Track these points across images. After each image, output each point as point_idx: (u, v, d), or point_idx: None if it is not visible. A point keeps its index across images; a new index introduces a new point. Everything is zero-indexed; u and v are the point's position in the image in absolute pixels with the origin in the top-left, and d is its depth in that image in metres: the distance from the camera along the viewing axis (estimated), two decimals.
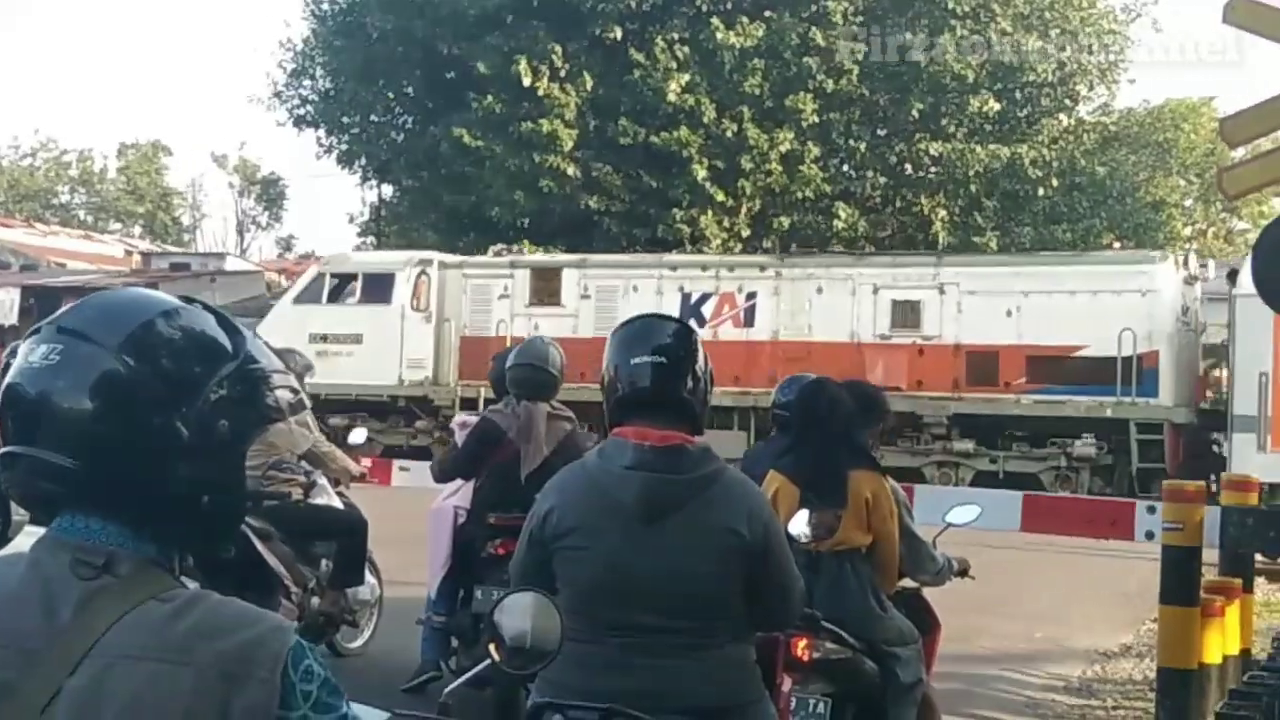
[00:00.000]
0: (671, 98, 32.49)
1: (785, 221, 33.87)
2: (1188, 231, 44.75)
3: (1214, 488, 13.22)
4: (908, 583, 6.57)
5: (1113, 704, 9.66)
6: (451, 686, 3.20)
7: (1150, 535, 8.27)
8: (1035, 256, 28.46)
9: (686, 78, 32.76)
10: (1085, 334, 23.26)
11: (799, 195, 33.61)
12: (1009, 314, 24.10)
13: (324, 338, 27.72)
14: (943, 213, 34.29)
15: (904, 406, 23.96)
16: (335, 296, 28.67)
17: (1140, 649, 11.30)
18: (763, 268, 26.99)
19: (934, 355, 24.97)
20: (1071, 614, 13.04)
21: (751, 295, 26.44)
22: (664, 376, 4.09)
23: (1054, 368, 23.84)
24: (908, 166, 35.14)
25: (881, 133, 35.64)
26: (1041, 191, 34.50)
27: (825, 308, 25.63)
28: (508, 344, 26.61)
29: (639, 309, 27.69)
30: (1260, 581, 14.90)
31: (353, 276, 28.83)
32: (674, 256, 29.42)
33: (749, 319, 26.44)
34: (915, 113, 33.84)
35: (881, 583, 6.13)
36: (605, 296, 27.03)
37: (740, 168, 32.87)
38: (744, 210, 33.50)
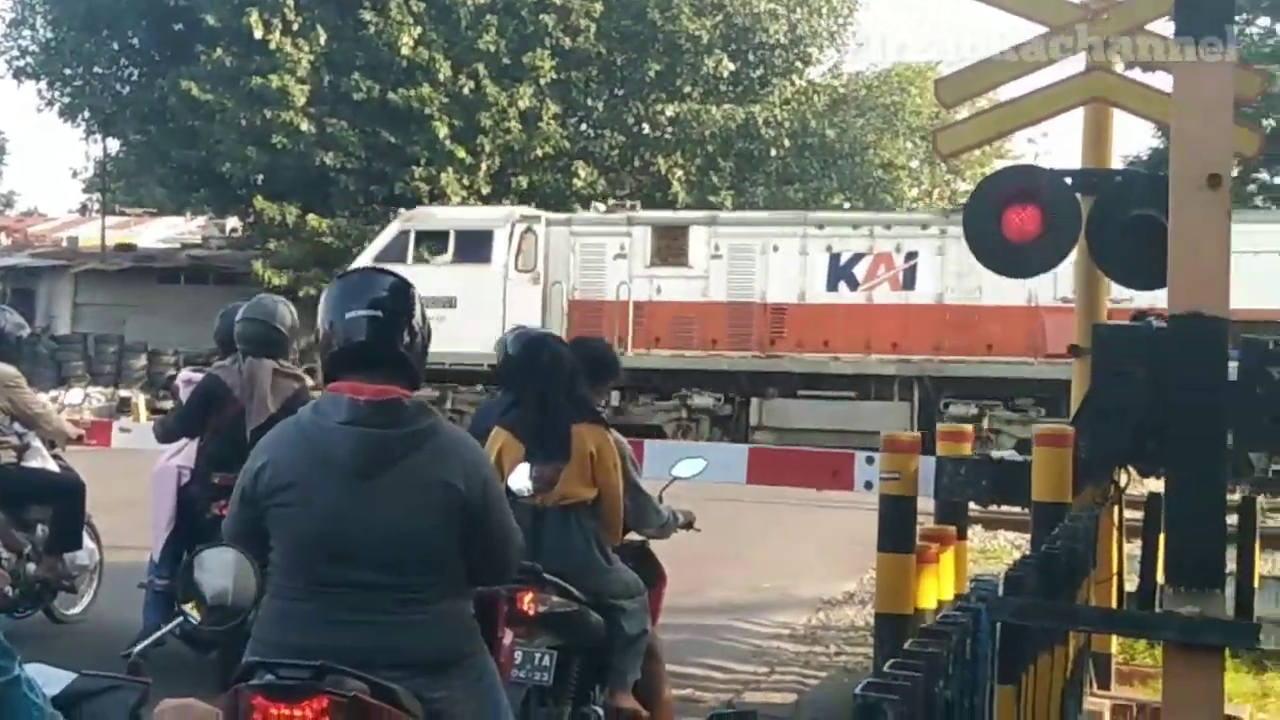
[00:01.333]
0: (406, 52, 32.11)
1: (525, 180, 33.84)
2: (914, 193, 46.12)
3: None
4: (634, 536, 6.65)
5: (835, 650, 9.97)
6: (140, 646, 3.12)
7: (869, 485, 8.51)
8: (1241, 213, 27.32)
9: (420, 31, 32.41)
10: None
11: (539, 153, 33.62)
12: None
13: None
14: (680, 172, 34.69)
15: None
16: (421, 256, 26.17)
17: (863, 596, 11.66)
18: (925, 225, 25.13)
19: (1122, 319, 23.85)
20: (798, 564, 13.38)
21: (911, 255, 24.63)
22: (380, 331, 4.05)
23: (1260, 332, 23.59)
24: (645, 126, 35.43)
25: (619, 92, 35.85)
26: (774, 152, 35.19)
27: None
28: (629, 310, 25.22)
29: (780, 270, 25.36)
30: (978, 529, 15.59)
31: (442, 234, 26.45)
32: (821, 214, 27.40)
33: (909, 281, 24.67)
34: (652, 73, 34.13)
35: (606, 536, 6.19)
36: (740, 257, 25.38)
37: (479, 125, 32.70)
38: (484, 168, 33.37)
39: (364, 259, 26.82)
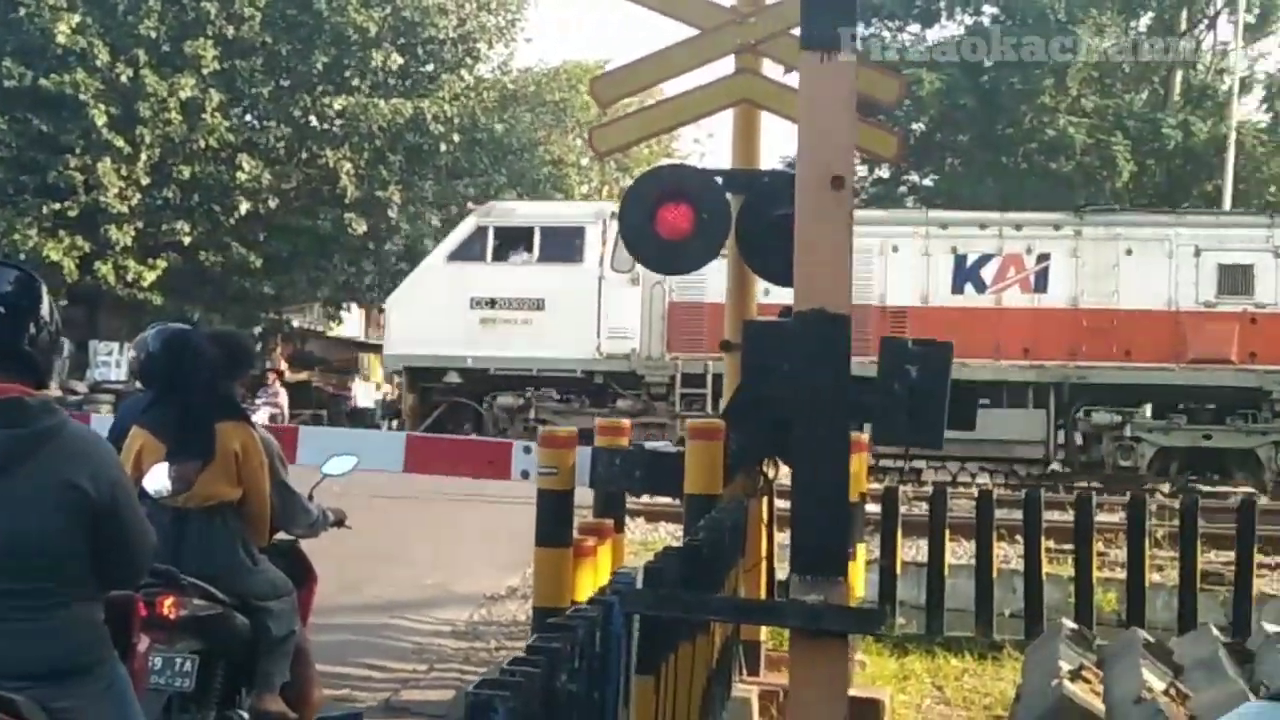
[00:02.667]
0: (62, 39, 30.81)
1: (187, 171, 32.85)
2: (584, 189, 46.61)
3: None
4: (283, 535, 6.53)
5: (495, 645, 10.00)
6: None
7: (525, 474, 8.52)
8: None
9: (77, 18, 31.14)
10: None
11: (201, 144, 32.69)
12: None
13: (490, 303, 24.16)
14: (348, 166, 34.21)
15: (1234, 381, 22.77)
16: (501, 254, 24.46)
17: (525, 591, 11.70)
18: (1057, 226, 24.00)
19: (1269, 324, 22.84)
20: (462, 560, 13.37)
21: (1044, 257, 23.68)
22: (2, 327, 3.85)
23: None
24: (312, 119, 34.82)
25: (285, 84, 35.14)
26: (444, 147, 35.04)
27: (1135, 272, 23.17)
28: (755, 312, 24.22)
29: (900, 271, 23.98)
30: (640, 522, 15.84)
31: (524, 231, 24.51)
32: (944, 213, 25.76)
33: (1040, 284, 23.68)
34: (319, 65, 33.59)
35: (253, 536, 6.07)
36: (857, 257, 23.73)
37: (138, 114, 31.60)
38: (144, 159, 32.23)
39: (436, 256, 25.56)
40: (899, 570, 11.33)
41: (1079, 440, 23.71)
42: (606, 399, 24.32)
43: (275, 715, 6.01)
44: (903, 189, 43.59)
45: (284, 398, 30.73)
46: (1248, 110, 39.65)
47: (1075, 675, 6.71)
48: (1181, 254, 23.06)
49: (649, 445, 8.79)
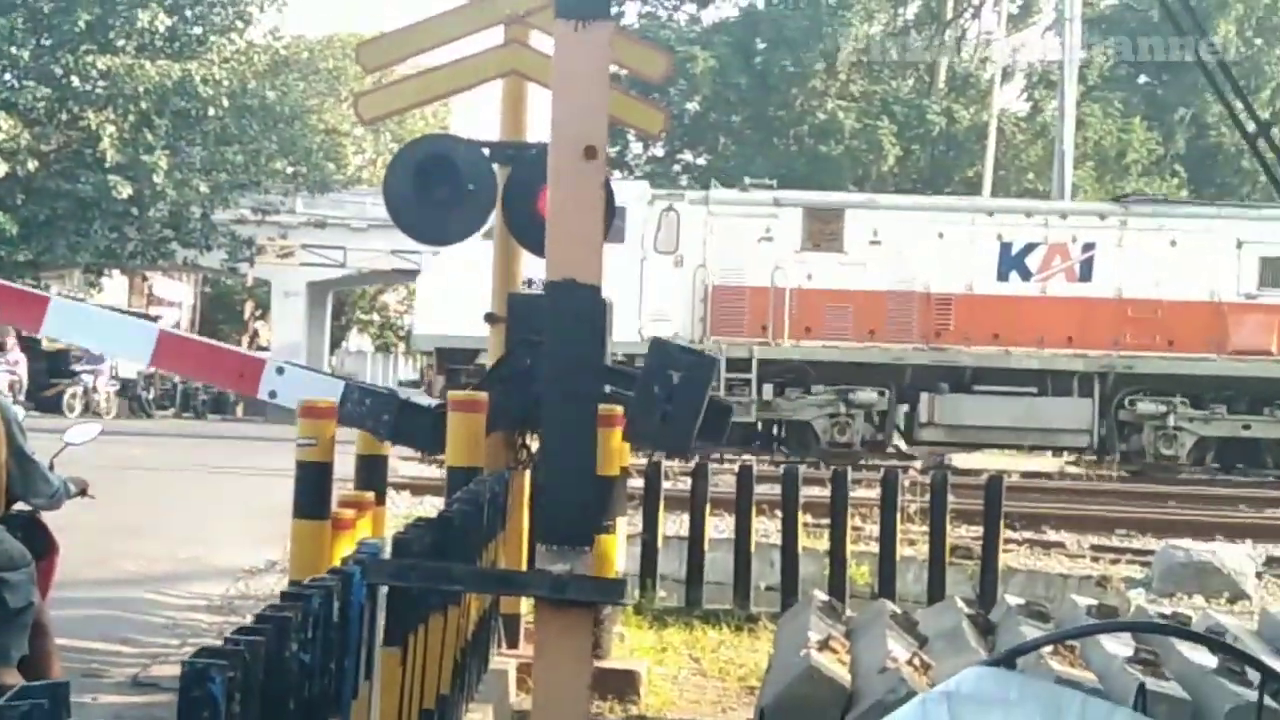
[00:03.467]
0: None
1: None
2: (358, 160, 46.00)
3: None
4: (22, 506, 6.31)
5: (252, 619, 9.80)
6: None
7: (273, 395, 8.31)
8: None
9: None
10: None
11: None
12: None
13: (528, 282, 22.62)
14: (111, 129, 33.16)
15: (1274, 372, 23.38)
16: None
17: (285, 564, 11.51)
18: (1103, 216, 24.50)
19: None
20: (219, 532, 13.08)
21: (1089, 246, 23.97)
22: None
23: None
24: (75, 79, 33.66)
25: (47, 42, 33.90)
26: (212, 112, 34.20)
27: (1179, 263, 23.18)
28: (786, 296, 23.38)
29: (947, 258, 23.85)
30: (405, 495, 15.71)
31: None
32: (990, 200, 26.34)
33: (1085, 273, 23.97)
34: (82, 23, 32.49)
35: None
36: (902, 244, 23.88)
37: None
38: None
39: (481, 235, 24.36)
40: (660, 544, 11.44)
41: (1120, 429, 24.35)
42: None
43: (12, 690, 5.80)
44: (677, 167, 44.01)
45: (24, 366, 29.78)
46: (1008, 99, 40.97)
47: (823, 645, 6.84)
48: (1224, 246, 23.40)
49: (407, 394, 8.72)
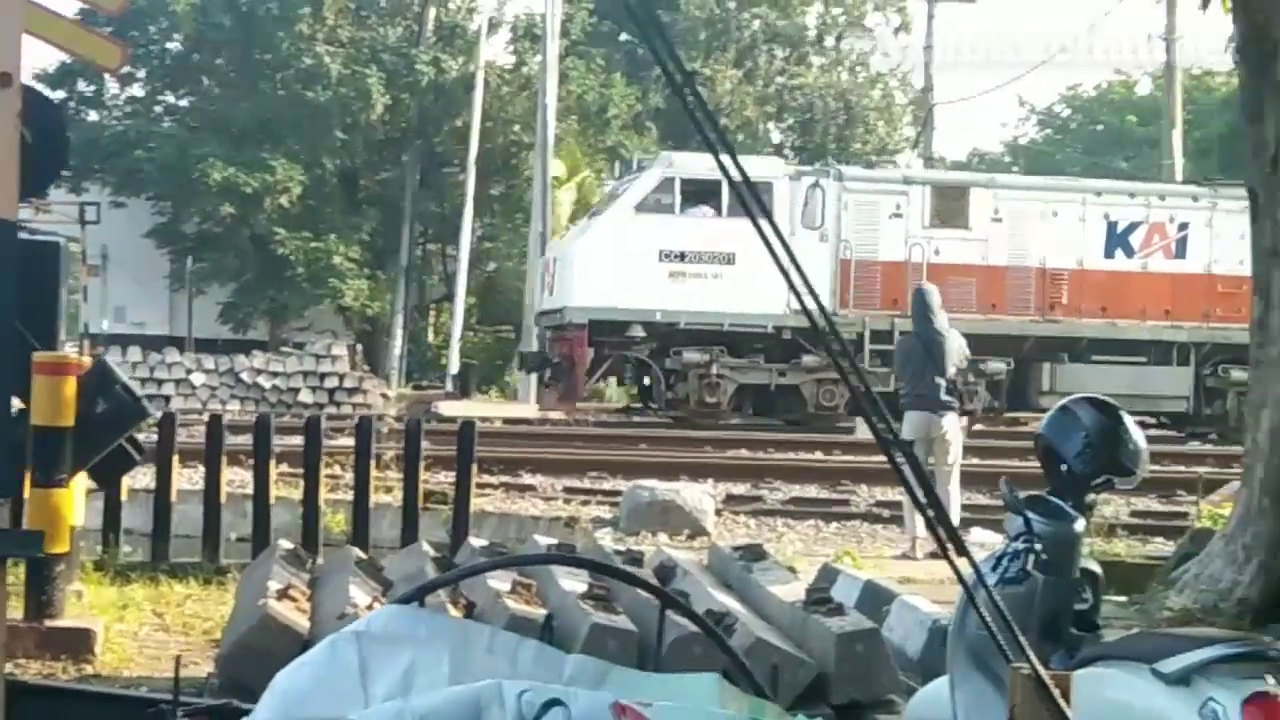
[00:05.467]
0: None
1: None
2: None
3: None
4: None
5: None
6: None
7: None
8: None
9: None
10: None
11: None
12: None
13: (680, 256, 24.48)
14: None
15: None
16: (687, 207, 24.63)
17: None
18: (1195, 198, 26.21)
19: None
20: None
21: (1183, 226, 25.80)
22: None
23: None
24: None
25: None
26: None
27: None
28: (924, 272, 23.58)
29: (1058, 236, 24.83)
30: None
31: (712, 184, 23.38)
32: (1098, 181, 26.88)
33: (1180, 250, 25.81)
34: None
35: None
36: (1020, 221, 25.52)
37: None
38: None
39: (621, 208, 24.99)
40: (125, 498, 11.03)
41: (1208, 396, 26.32)
42: (789, 355, 25.01)
43: None
44: (158, 108, 42.39)
45: None
46: (495, 51, 41.44)
47: (282, 594, 6.79)
48: None
49: None
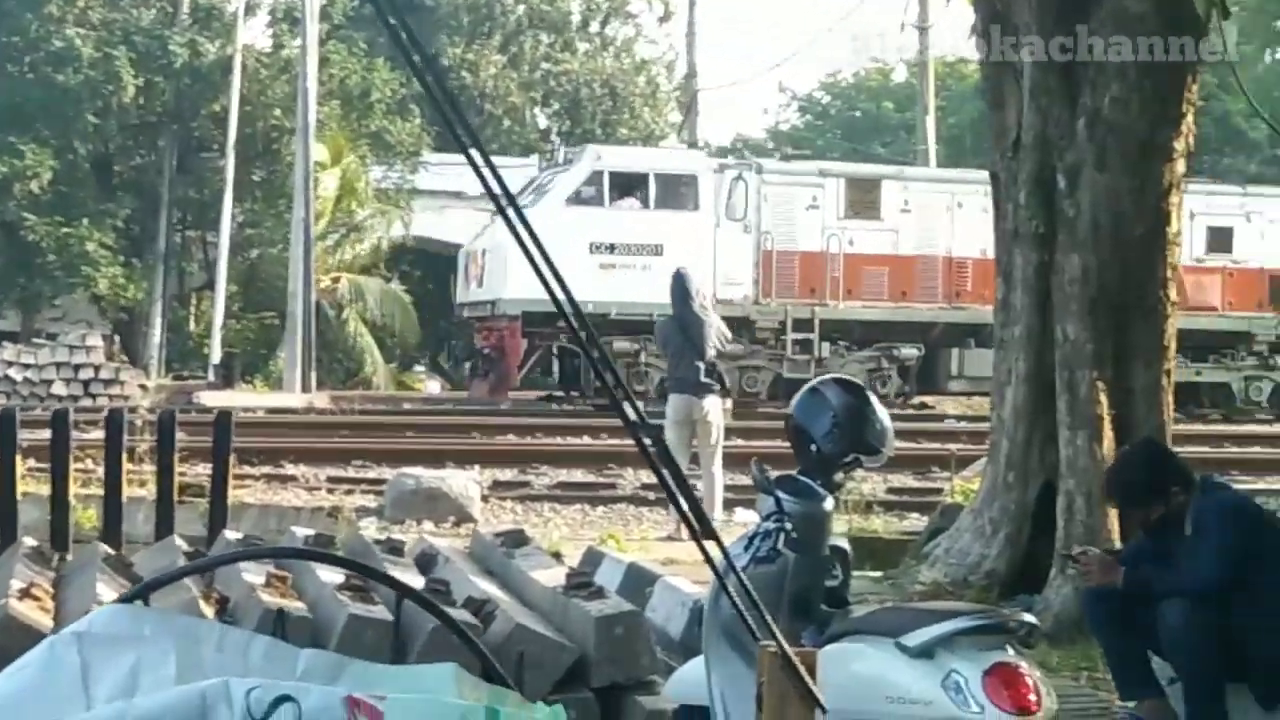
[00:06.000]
0: None
1: None
2: None
3: None
4: None
5: None
6: None
7: None
8: None
9: None
10: None
11: None
12: None
13: (610, 248, 24.95)
14: None
15: (1218, 326, 27.37)
16: (614, 199, 25.33)
17: None
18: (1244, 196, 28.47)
19: (1242, 278, 27.83)
20: None
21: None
22: None
23: None
24: None
25: None
26: None
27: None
28: (840, 262, 25.69)
29: (963, 226, 26.03)
30: None
31: (639, 177, 25.35)
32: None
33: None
34: None
35: None
36: (927, 212, 26.62)
37: None
38: None
39: (552, 201, 24.97)
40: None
41: None
42: None
43: None
44: None
45: None
46: (253, 34, 40.62)
47: (24, 594, 6.55)
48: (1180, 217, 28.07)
49: None
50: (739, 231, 25.83)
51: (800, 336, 25.94)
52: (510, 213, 2.86)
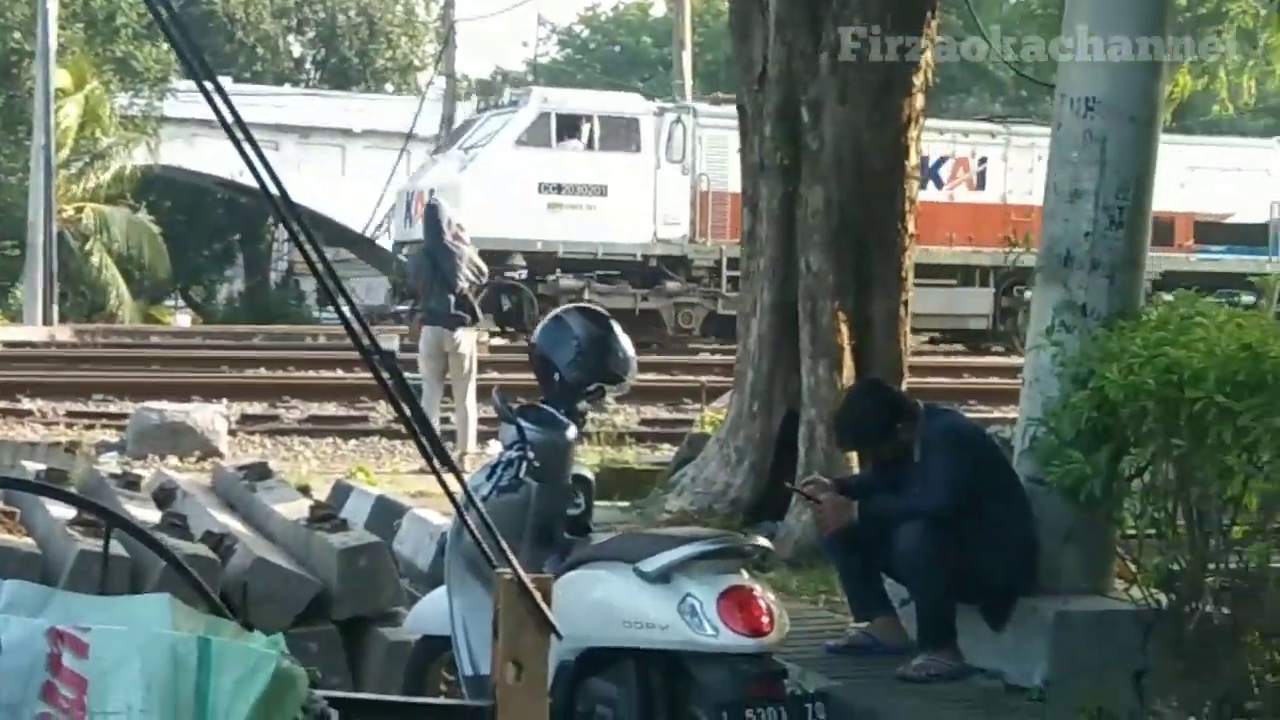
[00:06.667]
0: None
1: None
2: None
3: None
4: None
5: None
6: None
7: None
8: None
9: None
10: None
11: None
12: (1181, 186, 25.90)
13: (558, 188, 25.46)
14: None
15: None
16: (560, 140, 25.68)
17: None
18: (993, 135, 28.34)
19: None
20: None
21: (983, 160, 27.85)
22: None
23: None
24: None
25: None
26: None
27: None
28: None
29: None
30: None
31: (583, 118, 25.99)
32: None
33: (980, 183, 27.91)
34: None
35: None
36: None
37: None
38: None
39: (501, 143, 25.43)
40: None
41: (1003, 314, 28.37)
42: (654, 282, 26.05)
43: None
44: None
45: None
46: None
47: None
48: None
49: None
50: (678, 173, 26.36)
51: (734, 274, 26.31)
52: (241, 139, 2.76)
